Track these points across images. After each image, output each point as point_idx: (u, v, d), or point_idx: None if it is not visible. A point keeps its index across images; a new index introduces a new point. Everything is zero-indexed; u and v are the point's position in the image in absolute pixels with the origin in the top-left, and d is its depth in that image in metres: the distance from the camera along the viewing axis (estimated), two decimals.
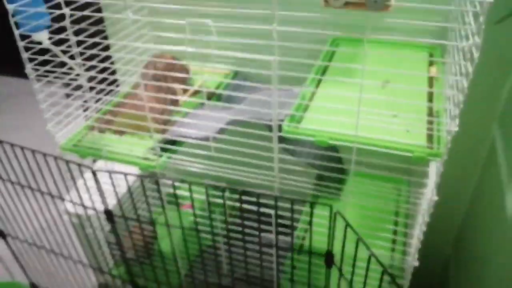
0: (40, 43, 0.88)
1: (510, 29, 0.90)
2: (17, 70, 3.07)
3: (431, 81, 0.80)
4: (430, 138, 0.66)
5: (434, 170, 0.66)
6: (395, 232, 0.95)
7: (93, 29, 0.87)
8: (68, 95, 0.92)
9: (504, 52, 0.93)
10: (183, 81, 1.00)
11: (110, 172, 0.82)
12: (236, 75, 1.06)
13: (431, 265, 1.34)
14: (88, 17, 0.84)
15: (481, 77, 0.97)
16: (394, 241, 0.94)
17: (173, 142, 0.87)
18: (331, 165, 0.88)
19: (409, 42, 0.91)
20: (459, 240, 1.19)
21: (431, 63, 0.86)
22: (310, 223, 0.80)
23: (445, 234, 1.25)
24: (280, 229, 0.84)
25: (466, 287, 1.01)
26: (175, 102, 0.94)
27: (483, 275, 0.90)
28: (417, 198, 0.79)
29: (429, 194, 0.68)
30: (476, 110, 1.02)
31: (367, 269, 0.66)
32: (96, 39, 0.83)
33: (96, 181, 0.85)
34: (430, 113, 0.72)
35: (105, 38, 0.97)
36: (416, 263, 0.76)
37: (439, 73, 0.80)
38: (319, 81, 0.82)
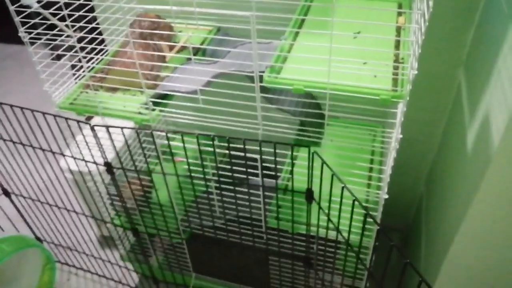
0: (29, 7, 0.92)
1: None
2: None
3: (399, 30, 0.87)
4: (395, 82, 0.74)
5: (400, 111, 0.75)
6: (370, 170, 1.05)
7: None
8: (59, 56, 0.97)
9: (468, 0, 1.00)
10: (168, 38, 1.05)
11: (108, 127, 0.89)
12: (218, 31, 1.11)
13: (407, 201, 1.46)
14: None
15: (448, 24, 1.04)
16: (370, 178, 1.04)
17: (164, 97, 0.93)
18: (311, 111, 0.96)
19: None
20: (430, 177, 1.31)
21: (399, 14, 0.92)
22: (292, 164, 0.89)
23: (418, 172, 1.37)
24: (265, 172, 0.93)
25: (435, 218, 1.12)
26: (162, 59, 1.00)
27: (448, 205, 1.01)
28: (388, 138, 0.87)
29: (395, 133, 0.77)
30: (444, 56, 1.10)
31: (341, 200, 0.76)
32: (82, 1, 0.87)
33: (95, 136, 0.92)
34: (397, 59, 0.79)
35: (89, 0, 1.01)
36: (386, 196, 0.86)
37: (406, 22, 0.87)
38: (296, 34, 0.88)
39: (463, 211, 0.85)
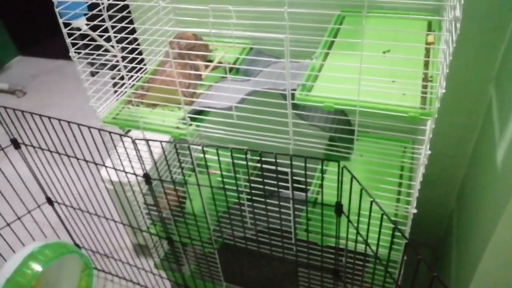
0: (79, 29, 1.00)
1: None
2: (39, 50, 3.21)
3: (428, 48, 0.89)
4: (423, 100, 0.76)
5: (428, 128, 0.77)
6: (400, 185, 1.06)
7: (119, 15, 0.98)
8: (95, 73, 1.03)
9: (499, 18, 1.01)
10: (204, 57, 1.11)
11: (148, 140, 0.95)
12: (251, 49, 1.16)
13: (437, 216, 1.46)
14: (115, 4, 0.95)
15: (479, 40, 1.05)
16: (399, 193, 1.05)
17: (200, 112, 0.98)
18: (340, 127, 0.99)
19: (408, 14, 1.00)
20: (461, 192, 1.30)
21: (429, 31, 0.95)
22: (321, 178, 0.92)
23: (449, 187, 1.36)
24: (295, 185, 0.96)
25: (466, 235, 1.12)
26: (198, 77, 1.05)
27: (477, 222, 1.01)
28: (417, 154, 0.89)
29: (424, 149, 0.79)
30: (475, 72, 1.11)
31: (370, 214, 0.78)
32: (131, 25, 0.94)
33: (136, 148, 0.98)
34: (425, 78, 0.81)
35: (131, 22, 1.08)
36: (415, 211, 0.87)
37: (436, 41, 0.89)
38: (327, 54, 0.92)
39: (492, 228, 0.85)
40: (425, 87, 0.79)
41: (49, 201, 1.45)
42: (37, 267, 1.24)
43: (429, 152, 0.78)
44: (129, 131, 1.41)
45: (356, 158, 0.98)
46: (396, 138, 1.20)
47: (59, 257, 1.32)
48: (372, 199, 0.75)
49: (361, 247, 0.93)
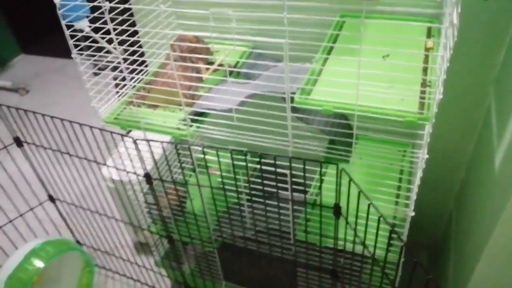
0: (81, 30, 1.01)
1: (500, 4, 0.98)
2: (42, 49, 3.23)
3: (428, 52, 0.90)
4: (422, 105, 0.77)
5: (426, 133, 0.78)
6: (398, 188, 1.07)
7: (120, 18, 0.99)
8: (97, 74, 1.04)
9: (498, 24, 1.01)
10: (205, 60, 1.12)
11: (149, 141, 0.96)
12: (252, 52, 1.17)
13: (436, 218, 1.46)
14: (118, 7, 0.96)
15: (478, 46, 1.06)
16: (398, 196, 1.06)
17: (201, 114, 0.99)
18: (340, 131, 1.00)
19: (407, 20, 1.01)
20: (460, 194, 1.31)
21: (428, 35, 0.95)
22: (320, 180, 0.94)
23: (448, 189, 1.37)
24: (294, 187, 0.98)
25: (463, 237, 1.13)
26: (199, 78, 1.06)
27: (475, 224, 1.02)
28: (415, 158, 0.90)
29: (422, 153, 0.80)
30: (475, 76, 1.11)
31: (367, 217, 0.79)
32: (133, 28, 0.95)
33: (137, 148, 0.99)
34: (424, 83, 0.82)
35: (133, 25, 1.09)
36: (412, 213, 0.88)
37: (435, 47, 0.90)
38: (326, 59, 0.93)
39: (489, 231, 0.86)
40: (423, 92, 0.80)
41: (51, 199, 1.46)
42: (38, 264, 1.25)
43: (427, 156, 0.79)
44: (130, 131, 1.42)
45: (355, 161, 0.98)
46: (396, 142, 1.21)
47: (60, 254, 1.34)
48: (369, 202, 0.76)
49: (359, 249, 0.94)
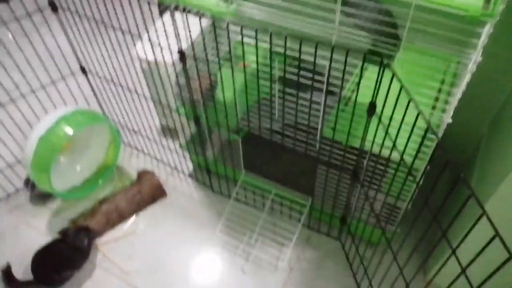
0: None
1: None
2: None
3: None
4: (487, 1, 0.70)
5: (485, 32, 0.72)
6: (439, 90, 1.02)
7: None
8: None
9: None
10: None
11: (186, 10, 0.92)
12: None
13: (466, 140, 1.43)
14: None
15: None
16: (436, 99, 1.01)
17: None
18: (387, 30, 0.93)
19: None
20: (495, 119, 1.26)
21: None
22: (360, 75, 0.90)
23: (484, 113, 1.32)
24: (331, 81, 0.94)
25: (492, 157, 1.11)
26: None
27: (506, 150, 0.99)
28: (467, 59, 0.82)
29: (476, 55, 0.74)
30: None
31: (405, 112, 0.76)
32: None
33: (173, 19, 0.96)
34: None
35: None
36: (450, 120, 0.86)
37: None
38: None
39: None
40: None
41: (83, 70, 1.47)
42: (69, 130, 1.29)
43: (480, 58, 0.74)
44: (167, 7, 1.37)
45: (397, 68, 0.93)
46: (442, 55, 1.13)
47: (90, 124, 1.38)
48: (410, 98, 0.73)
49: (385, 153, 0.93)
